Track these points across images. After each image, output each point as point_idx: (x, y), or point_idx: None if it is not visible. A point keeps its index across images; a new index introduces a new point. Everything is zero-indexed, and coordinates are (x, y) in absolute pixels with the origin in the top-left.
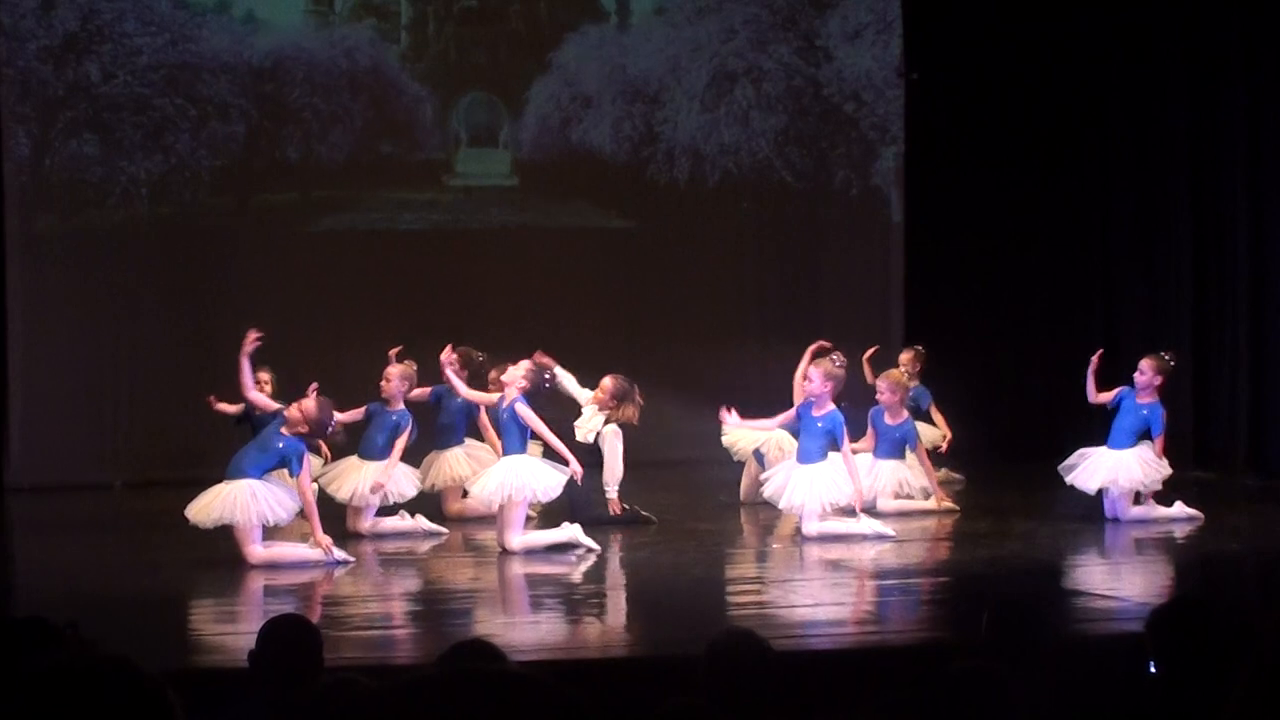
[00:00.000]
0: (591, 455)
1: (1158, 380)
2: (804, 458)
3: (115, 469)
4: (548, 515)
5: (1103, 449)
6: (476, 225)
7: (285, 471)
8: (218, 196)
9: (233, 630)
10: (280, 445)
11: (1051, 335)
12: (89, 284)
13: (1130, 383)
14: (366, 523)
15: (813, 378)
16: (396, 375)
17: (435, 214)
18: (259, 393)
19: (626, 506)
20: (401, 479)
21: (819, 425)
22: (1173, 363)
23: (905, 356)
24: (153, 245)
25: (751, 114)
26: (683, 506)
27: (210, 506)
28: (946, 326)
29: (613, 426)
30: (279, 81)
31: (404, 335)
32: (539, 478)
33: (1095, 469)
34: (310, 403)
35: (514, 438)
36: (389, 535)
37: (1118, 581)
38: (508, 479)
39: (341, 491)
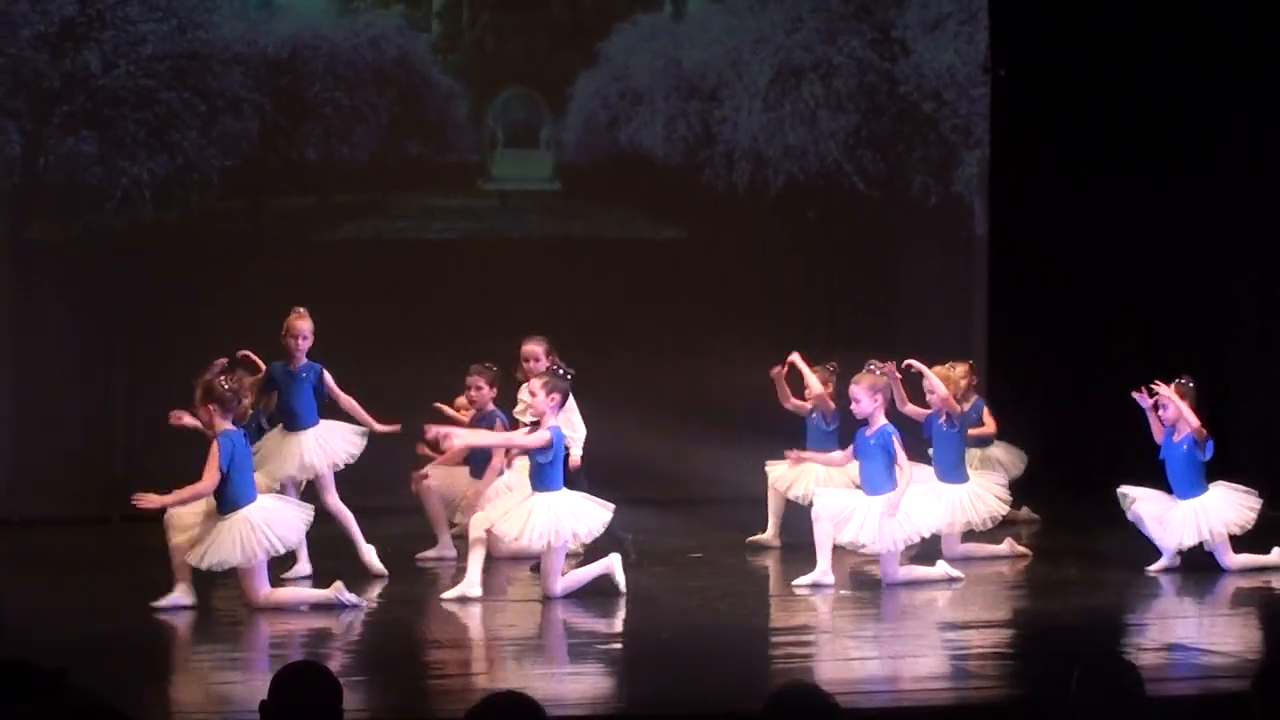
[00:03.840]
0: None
1: (1177, 413)
2: (869, 487)
3: (114, 501)
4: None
5: (1175, 502)
6: (514, 234)
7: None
8: (229, 200)
9: (241, 679)
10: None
11: (1151, 361)
12: (87, 296)
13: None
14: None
15: (859, 397)
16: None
17: (468, 221)
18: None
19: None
20: None
21: (873, 444)
22: (1191, 384)
23: (963, 369)
24: (157, 254)
25: (820, 113)
26: (740, 546)
27: (205, 550)
28: (1033, 349)
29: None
30: (297, 74)
31: (432, 353)
32: (581, 517)
33: (1180, 526)
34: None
35: (552, 468)
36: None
37: (1221, 635)
38: (550, 521)
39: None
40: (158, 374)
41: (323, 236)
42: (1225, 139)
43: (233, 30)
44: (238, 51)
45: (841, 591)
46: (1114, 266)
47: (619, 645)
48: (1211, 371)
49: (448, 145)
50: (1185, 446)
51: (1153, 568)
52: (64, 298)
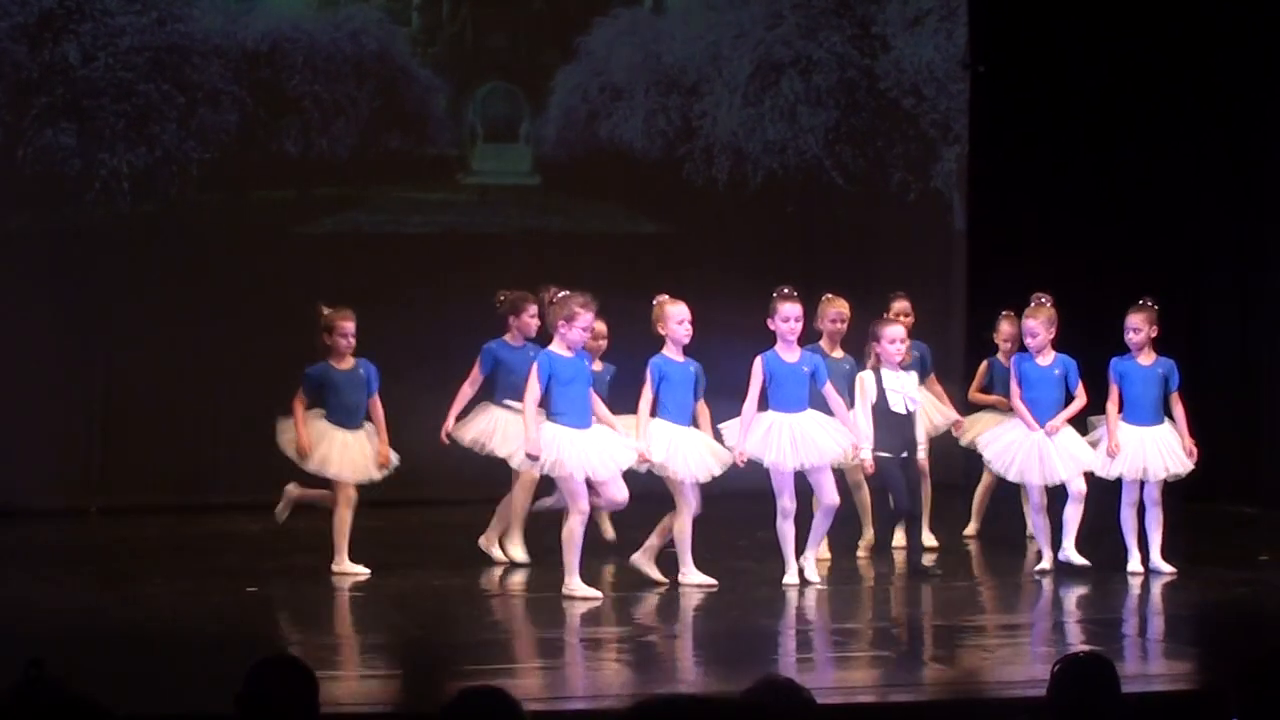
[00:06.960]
0: None
1: (1155, 332)
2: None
3: (91, 493)
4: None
5: (1141, 430)
6: (493, 228)
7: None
8: (207, 193)
9: (217, 670)
10: None
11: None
12: (64, 287)
13: (1118, 352)
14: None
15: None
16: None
17: (448, 215)
18: None
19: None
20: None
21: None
22: (1155, 305)
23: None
24: (135, 246)
25: (799, 108)
26: (719, 544)
27: None
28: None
29: None
30: (276, 66)
31: (409, 347)
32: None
33: (1163, 450)
34: None
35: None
36: None
37: (1198, 633)
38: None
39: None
40: (135, 365)
41: (302, 230)
42: (1204, 132)
43: (212, 23)
44: (217, 44)
45: (819, 588)
46: (1093, 262)
47: (600, 639)
48: (1189, 363)
49: (427, 139)
50: (1162, 370)
51: (1130, 567)
52: (42, 288)
